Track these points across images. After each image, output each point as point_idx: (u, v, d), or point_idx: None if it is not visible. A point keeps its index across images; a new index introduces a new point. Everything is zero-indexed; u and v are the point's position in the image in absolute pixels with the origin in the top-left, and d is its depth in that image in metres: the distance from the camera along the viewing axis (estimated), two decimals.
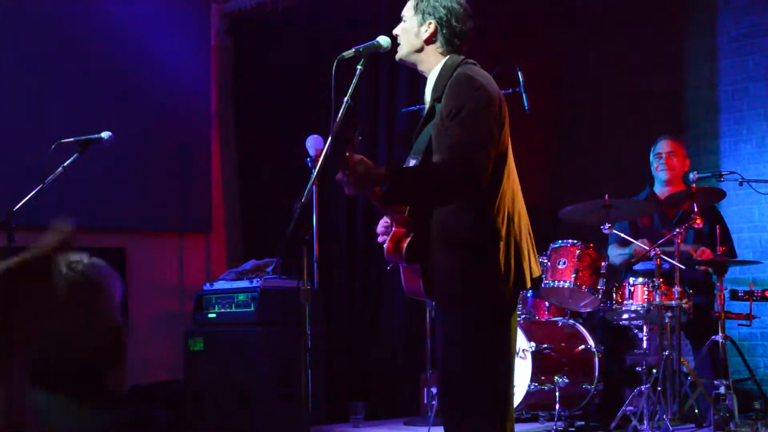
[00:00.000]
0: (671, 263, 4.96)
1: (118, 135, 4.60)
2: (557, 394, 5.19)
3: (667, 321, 4.98)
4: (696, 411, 5.06)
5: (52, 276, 1.44)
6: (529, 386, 5.19)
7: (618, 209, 5.16)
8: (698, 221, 4.93)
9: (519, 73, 5.14)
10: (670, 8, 6.59)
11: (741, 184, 5.32)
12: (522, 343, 5.23)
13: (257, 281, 5.80)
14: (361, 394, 6.28)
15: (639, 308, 5.14)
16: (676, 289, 4.96)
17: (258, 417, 5.54)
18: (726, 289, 5.04)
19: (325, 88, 3.13)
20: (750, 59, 6.19)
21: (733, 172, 5.32)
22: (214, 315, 5.96)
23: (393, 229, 3.03)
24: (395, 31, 3.18)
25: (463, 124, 2.88)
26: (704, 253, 5.22)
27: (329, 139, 2.99)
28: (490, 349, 2.95)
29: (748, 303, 5.11)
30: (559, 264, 5.34)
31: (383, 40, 3.16)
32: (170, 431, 6.14)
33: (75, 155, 4.48)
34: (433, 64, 3.11)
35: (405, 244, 2.95)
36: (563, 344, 5.44)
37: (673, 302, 4.96)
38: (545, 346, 5.31)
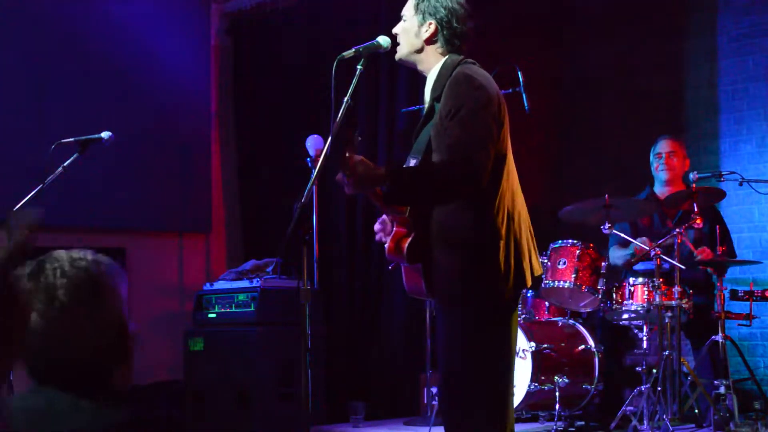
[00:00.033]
0: (671, 263, 4.96)
1: (118, 135, 4.59)
2: (557, 394, 5.19)
3: (667, 321, 4.98)
4: (696, 411, 5.06)
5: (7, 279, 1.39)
6: (529, 386, 5.19)
7: (618, 209, 5.16)
8: (698, 221, 4.93)
9: (519, 73, 5.14)
10: (670, 8, 6.59)
11: (741, 184, 5.32)
12: (522, 343, 5.23)
13: (257, 281, 5.80)
14: (361, 394, 6.28)
15: (639, 308, 5.14)
16: (676, 289, 4.96)
17: (258, 417, 5.54)
18: (726, 289, 5.04)
19: (325, 88, 3.13)
20: (750, 59, 6.19)
21: (733, 172, 5.32)
22: (214, 315, 5.96)
23: (394, 228, 3.03)
24: (395, 30, 3.18)
25: (463, 123, 2.88)
26: (704, 253, 5.22)
27: (329, 139, 2.99)
28: (490, 349, 2.95)
29: (748, 303, 5.11)
30: (559, 264, 5.34)
31: (383, 40, 3.16)
32: (171, 431, 6.14)
33: (75, 155, 4.48)
34: (432, 64, 3.10)
35: (406, 244, 2.96)
36: (563, 344, 5.44)
37: (673, 302, 4.96)
38: (545, 346, 5.31)
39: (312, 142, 5.85)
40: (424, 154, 2.99)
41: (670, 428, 4.70)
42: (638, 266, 5.32)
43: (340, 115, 3.01)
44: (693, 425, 4.94)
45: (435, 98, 3.04)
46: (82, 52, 6.70)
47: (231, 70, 7.82)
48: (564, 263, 5.32)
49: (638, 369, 5.04)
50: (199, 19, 7.55)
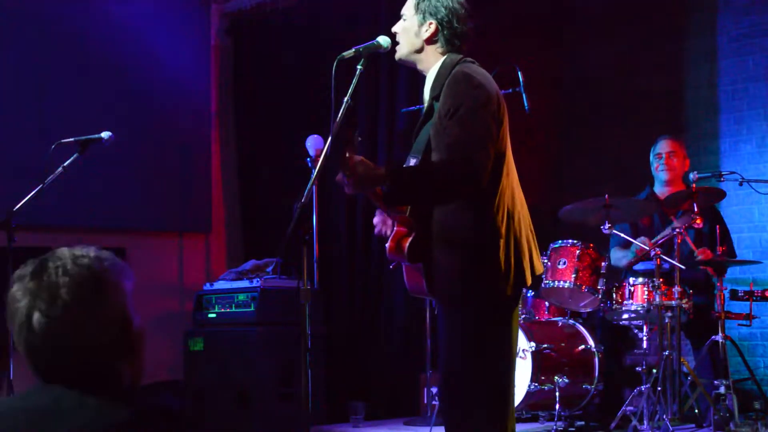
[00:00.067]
0: (671, 263, 4.96)
1: (118, 135, 4.60)
2: (557, 394, 5.19)
3: (667, 321, 4.98)
4: (696, 411, 5.06)
5: None
6: (529, 386, 5.19)
7: (618, 209, 5.16)
8: (698, 221, 4.93)
9: (519, 73, 5.14)
10: (670, 8, 6.59)
11: (741, 184, 5.32)
12: (522, 343, 5.23)
13: (257, 281, 5.80)
14: (361, 394, 6.27)
15: (639, 308, 5.14)
16: (676, 289, 4.96)
17: (258, 417, 5.54)
18: (726, 289, 5.04)
19: (325, 88, 3.12)
20: (750, 59, 6.19)
21: (733, 172, 5.32)
22: (214, 315, 5.96)
23: (395, 228, 3.03)
24: (394, 29, 3.18)
25: (462, 122, 2.88)
26: (704, 253, 5.22)
27: (329, 139, 2.99)
28: (490, 349, 2.95)
29: (748, 303, 5.11)
30: (559, 264, 5.34)
31: (383, 40, 3.16)
32: (172, 430, 6.13)
33: (75, 155, 4.48)
34: (432, 64, 3.10)
35: (407, 244, 2.96)
36: (563, 344, 5.43)
37: (673, 302, 4.96)
38: (545, 346, 5.31)
39: (312, 142, 5.85)
40: (423, 153, 2.99)
41: (670, 428, 4.69)
42: (638, 266, 5.32)
43: (340, 115, 3.00)
44: (693, 425, 4.94)
45: (434, 97, 3.03)
46: (82, 52, 6.70)
47: (231, 70, 7.82)
48: (564, 263, 5.32)
49: (638, 369, 5.04)
50: (199, 19, 7.55)
